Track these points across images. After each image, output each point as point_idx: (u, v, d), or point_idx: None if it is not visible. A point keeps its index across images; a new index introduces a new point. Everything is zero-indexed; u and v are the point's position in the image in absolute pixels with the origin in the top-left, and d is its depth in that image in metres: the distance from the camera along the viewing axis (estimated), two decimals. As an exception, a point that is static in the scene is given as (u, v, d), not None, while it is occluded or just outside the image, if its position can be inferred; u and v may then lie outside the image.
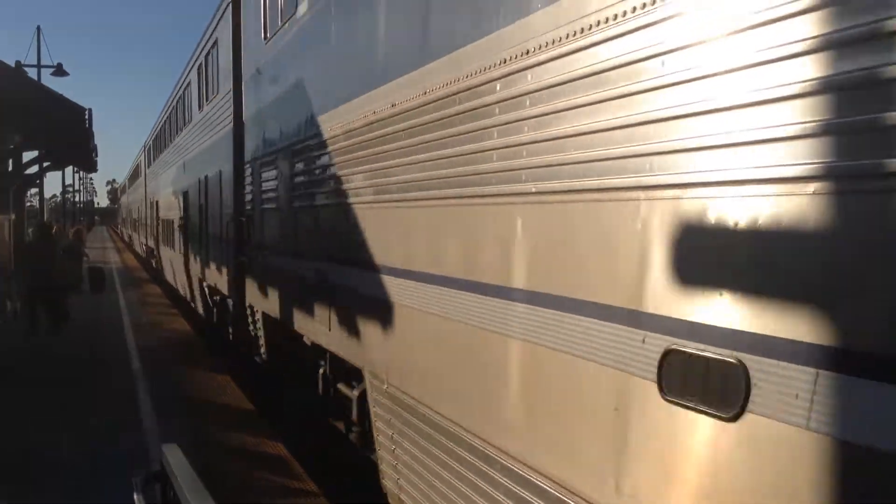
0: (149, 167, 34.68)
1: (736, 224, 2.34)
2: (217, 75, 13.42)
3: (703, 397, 2.44)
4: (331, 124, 6.56)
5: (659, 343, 2.62)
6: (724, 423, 2.35)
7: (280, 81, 8.67)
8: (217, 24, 13.20)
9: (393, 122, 5.07)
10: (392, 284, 5.23)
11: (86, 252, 23.75)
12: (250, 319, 10.69)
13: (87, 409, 9.23)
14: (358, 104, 5.80)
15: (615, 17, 2.87)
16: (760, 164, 2.26)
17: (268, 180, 9.22)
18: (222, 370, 11.71)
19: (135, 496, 4.15)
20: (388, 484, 5.59)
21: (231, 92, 11.34)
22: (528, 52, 3.46)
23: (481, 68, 3.86)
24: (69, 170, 55.84)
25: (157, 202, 27.73)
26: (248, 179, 10.38)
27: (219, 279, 13.19)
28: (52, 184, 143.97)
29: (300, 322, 7.93)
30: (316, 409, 8.44)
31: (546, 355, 3.35)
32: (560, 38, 3.21)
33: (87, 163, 17.44)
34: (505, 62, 3.65)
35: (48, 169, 19.84)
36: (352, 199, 6.09)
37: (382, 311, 5.35)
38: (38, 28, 34.39)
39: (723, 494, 2.42)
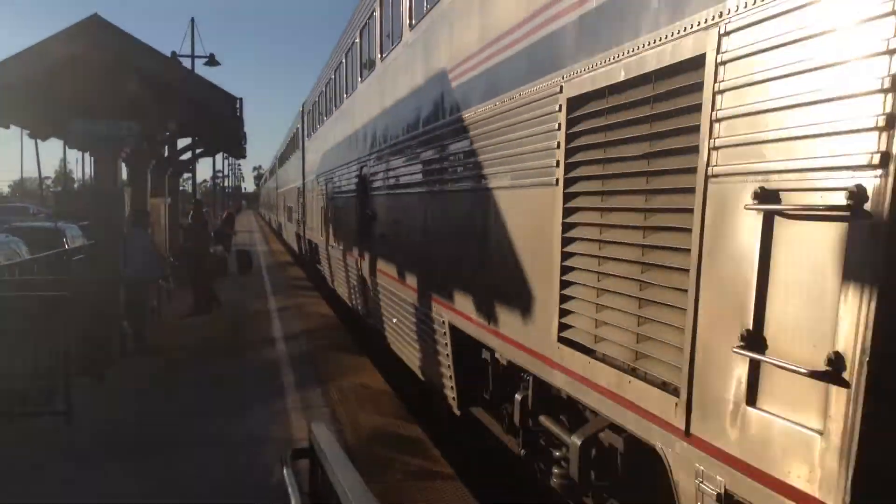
0: (280, 167, 41.62)
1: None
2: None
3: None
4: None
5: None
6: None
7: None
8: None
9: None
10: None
11: (235, 232, 25.06)
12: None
13: (240, 384, 9.77)
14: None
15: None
16: None
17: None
18: (361, 352, 12.01)
19: (285, 471, 4.24)
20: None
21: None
22: None
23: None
24: (219, 156, 59.21)
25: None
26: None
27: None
28: (203, 169, 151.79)
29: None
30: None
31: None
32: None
33: (237, 150, 18.24)
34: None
35: (201, 155, 20.96)
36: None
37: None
38: (192, 20, 35.84)
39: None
